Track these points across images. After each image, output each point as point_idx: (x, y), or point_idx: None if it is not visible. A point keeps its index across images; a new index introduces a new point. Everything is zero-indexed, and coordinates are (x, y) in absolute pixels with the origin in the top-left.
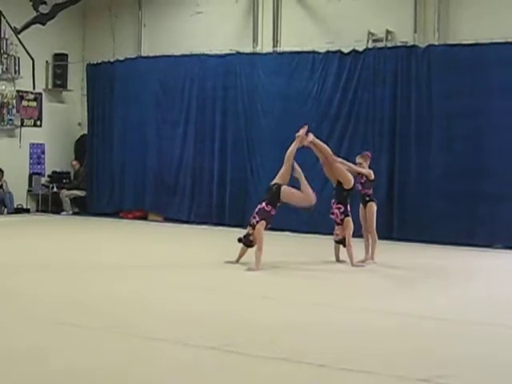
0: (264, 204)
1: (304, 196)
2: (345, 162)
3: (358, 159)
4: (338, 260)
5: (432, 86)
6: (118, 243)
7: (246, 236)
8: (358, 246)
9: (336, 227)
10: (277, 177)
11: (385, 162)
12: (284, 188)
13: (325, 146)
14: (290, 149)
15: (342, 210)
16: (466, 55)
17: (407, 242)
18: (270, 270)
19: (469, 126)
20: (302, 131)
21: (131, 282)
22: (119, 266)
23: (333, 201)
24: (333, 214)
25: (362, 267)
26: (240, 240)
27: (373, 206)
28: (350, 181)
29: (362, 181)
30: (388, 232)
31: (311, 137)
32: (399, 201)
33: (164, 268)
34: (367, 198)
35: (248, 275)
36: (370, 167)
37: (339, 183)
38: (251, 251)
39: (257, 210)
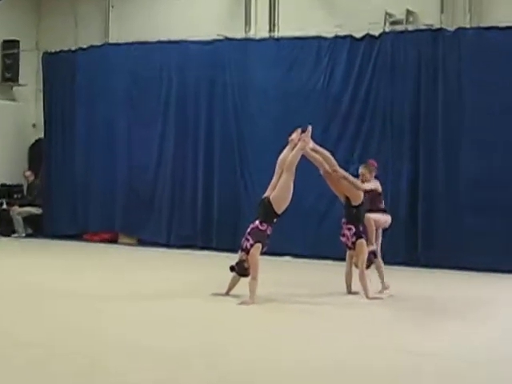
0: (257, 222)
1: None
2: (346, 174)
3: (361, 169)
4: (349, 291)
5: (462, 78)
6: (80, 271)
7: (239, 263)
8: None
9: (348, 252)
10: (269, 188)
11: (406, 171)
12: (273, 197)
13: (327, 153)
14: (293, 154)
15: (353, 231)
16: (503, 40)
17: (434, 268)
18: (267, 303)
19: (508, 124)
20: (296, 135)
21: (99, 317)
22: (85, 297)
23: (343, 220)
24: (343, 235)
25: (379, 300)
26: (232, 268)
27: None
28: (357, 195)
29: (367, 196)
30: (412, 256)
31: (311, 143)
32: (424, 218)
33: (138, 301)
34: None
35: (240, 310)
36: (377, 177)
37: (347, 198)
38: (244, 281)
39: (249, 230)
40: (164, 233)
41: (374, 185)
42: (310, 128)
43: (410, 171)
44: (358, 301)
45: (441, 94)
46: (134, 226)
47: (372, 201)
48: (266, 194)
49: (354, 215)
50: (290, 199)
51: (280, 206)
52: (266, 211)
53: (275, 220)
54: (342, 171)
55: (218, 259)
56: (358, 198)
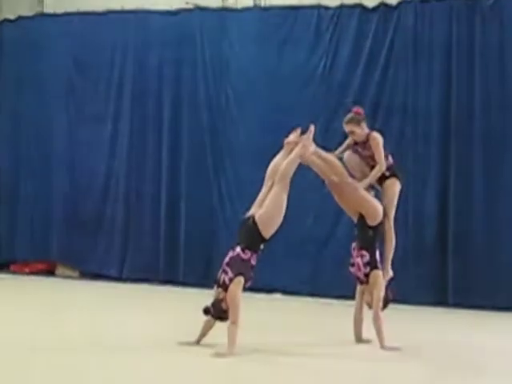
0: (238, 249)
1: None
2: (359, 185)
3: (347, 127)
4: (359, 340)
5: (506, 59)
6: (5, 313)
7: (216, 303)
8: (389, 315)
9: (358, 287)
10: (254, 204)
11: (433, 185)
12: (260, 216)
13: (334, 159)
14: (288, 161)
15: (366, 260)
16: None
17: (468, 308)
18: (249, 355)
19: None
20: (295, 136)
21: (25, 376)
22: (7, 347)
23: (353, 245)
24: (353, 265)
25: (397, 351)
26: (207, 311)
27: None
28: (377, 212)
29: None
30: (440, 295)
31: (313, 146)
32: (456, 248)
33: (78, 353)
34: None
35: (216, 364)
36: (372, 129)
37: (361, 217)
38: (221, 325)
39: (228, 259)
40: (115, 263)
41: (380, 156)
42: (312, 128)
43: (439, 186)
44: (370, 352)
45: (478, 82)
46: (75, 254)
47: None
48: (250, 213)
49: (370, 239)
50: (281, 220)
51: (268, 229)
52: (250, 235)
53: (262, 246)
54: (354, 182)
55: (187, 297)
56: (376, 216)
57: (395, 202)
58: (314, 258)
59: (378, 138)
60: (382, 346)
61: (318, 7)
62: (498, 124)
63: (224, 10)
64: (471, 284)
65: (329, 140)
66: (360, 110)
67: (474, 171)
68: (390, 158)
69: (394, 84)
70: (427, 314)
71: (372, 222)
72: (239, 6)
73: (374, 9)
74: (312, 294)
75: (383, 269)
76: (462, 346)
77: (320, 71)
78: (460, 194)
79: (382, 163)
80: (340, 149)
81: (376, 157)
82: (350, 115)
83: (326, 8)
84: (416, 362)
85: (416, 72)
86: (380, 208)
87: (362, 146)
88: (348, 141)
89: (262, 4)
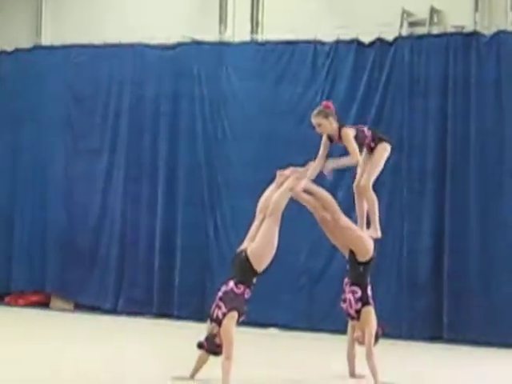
0: (232, 284)
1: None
2: (351, 225)
3: (315, 119)
4: (353, 375)
5: (503, 96)
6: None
7: (209, 338)
8: (384, 350)
9: (350, 323)
10: (247, 238)
11: (429, 220)
12: (252, 250)
13: (326, 195)
14: (278, 195)
15: (358, 296)
16: None
17: (463, 344)
18: None
19: None
20: (290, 172)
21: None
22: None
23: (345, 281)
24: (344, 301)
25: None
26: (201, 345)
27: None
28: (367, 248)
29: None
30: (435, 329)
31: (305, 181)
32: (451, 284)
33: None
34: None
35: None
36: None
37: (352, 253)
38: (214, 361)
39: (221, 294)
40: (110, 295)
41: (354, 148)
42: (311, 165)
43: (434, 221)
44: None
45: (474, 118)
46: (70, 286)
47: None
48: (242, 247)
49: (361, 275)
50: (273, 253)
51: (261, 263)
52: (243, 269)
53: (254, 280)
54: (346, 220)
55: (181, 331)
56: (367, 253)
57: (380, 166)
58: (308, 293)
59: (348, 132)
60: (377, 382)
61: (315, 42)
62: (494, 161)
63: (221, 44)
64: (466, 320)
65: (323, 175)
66: (330, 104)
67: (469, 207)
68: (366, 130)
69: (390, 119)
70: (422, 349)
71: (362, 258)
72: (236, 40)
73: (370, 44)
74: (307, 329)
75: (372, 227)
76: (457, 382)
77: (315, 106)
78: (455, 230)
79: (357, 158)
80: (320, 153)
81: (349, 150)
82: (318, 108)
83: (323, 43)
84: None
85: (412, 108)
86: (370, 244)
87: (337, 142)
88: (323, 141)
89: (259, 39)
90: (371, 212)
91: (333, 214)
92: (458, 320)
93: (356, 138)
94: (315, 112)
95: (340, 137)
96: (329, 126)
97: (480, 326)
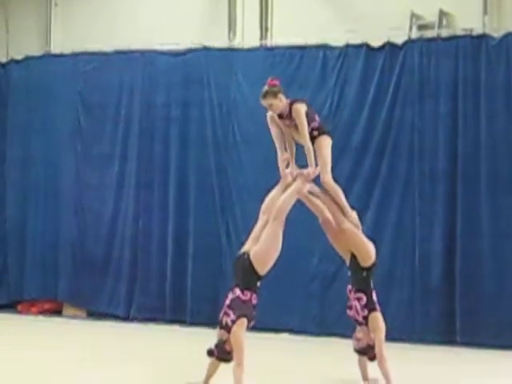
0: (238, 291)
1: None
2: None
3: (264, 101)
4: (365, 379)
5: None
6: (12, 353)
7: (219, 344)
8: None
9: (358, 328)
10: (249, 239)
11: (440, 223)
12: (255, 253)
13: (329, 197)
14: (284, 197)
15: (363, 303)
16: None
17: (477, 347)
18: None
19: None
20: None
21: None
22: None
23: (349, 287)
24: (350, 308)
25: None
26: (211, 353)
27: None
28: (369, 253)
29: None
30: (448, 333)
31: (310, 183)
32: (463, 285)
33: None
34: None
35: None
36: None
37: (354, 258)
38: (226, 367)
39: (228, 301)
40: (122, 303)
41: (304, 126)
42: (318, 170)
43: (446, 224)
44: None
45: (484, 121)
46: (82, 294)
47: None
48: (244, 249)
49: (364, 280)
50: (277, 256)
51: (264, 266)
52: (246, 274)
53: (259, 284)
54: (348, 224)
55: (193, 337)
56: (369, 258)
57: (330, 159)
58: (321, 297)
59: (299, 108)
60: None
61: (324, 47)
62: (505, 163)
63: (230, 50)
64: (479, 323)
65: (334, 179)
66: (275, 81)
67: (480, 210)
68: (317, 118)
69: (401, 123)
70: (435, 353)
71: (365, 263)
72: (246, 45)
73: (380, 48)
74: (319, 334)
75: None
76: None
77: (326, 111)
78: (467, 233)
79: (308, 144)
80: (277, 146)
81: (299, 129)
82: (264, 89)
83: (332, 48)
84: None
85: (422, 111)
86: (373, 249)
87: (288, 119)
88: (273, 133)
89: (269, 44)
90: (339, 199)
91: (336, 217)
92: (471, 323)
93: (306, 115)
94: (262, 94)
95: (291, 113)
96: (280, 103)
97: (493, 329)
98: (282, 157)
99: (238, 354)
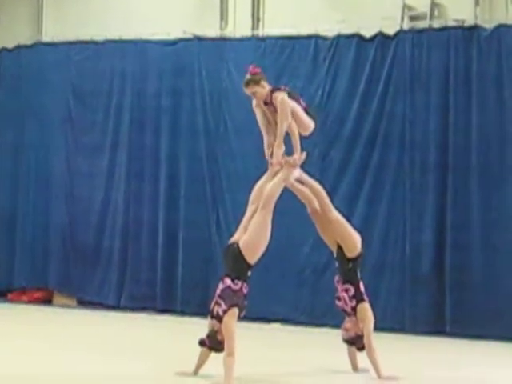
0: (229, 281)
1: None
2: (343, 220)
3: (247, 89)
4: (355, 369)
5: (505, 90)
6: (2, 343)
7: (211, 335)
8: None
9: (346, 319)
10: (239, 229)
11: (430, 214)
12: (244, 242)
13: (318, 187)
14: (272, 185)
15: (351, 294)
16: None
17: (467, 338)
18: None
19: None
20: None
21: None
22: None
23: (336, 278)
24: (339, 299)
25: (395, 381)
26: (203, 343)
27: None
28: (355, 244)
29: None
30: (438, 324)
31: (298, 171)
32: (453, 276)
33: None
34: None
35: None
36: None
37: (340, 249)
38: (216, 357)
39: (219, 291)
40: (112, 292)
41: (285, 114)
42: (304, 155)
43: (436, 214)
44: (367, 382)
45: (475, 112)
46: (73, 282)
47: None
48: (234, 239)
49: (350, 271)
50: (266, 244)
51: (253, 255)
52: (236, 263)
53: (249, 273)
54: (336, 214)
55: (184, 326)
56: (355, 248)
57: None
58: (311, 287)
59: (279, 98)
60: (380, 376)
61: (316, 37)
62: (496, 154)
63: (222, 39)
64: (469, 314)
65: (325, 169)
66: (257, 69)
67: (471, 202)
68: (303, 102)
69: (392, 114)
70: (425, 344)
71: (350, 254)
72: (237, 35)
73: (371, 39)
74: (310, 323)
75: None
76: (459, 377)
77: (317, 101)
78: (457, 224)
79: (282, 128)
80: (259, 121)
81: (278, 115)
82: (247, 77)
83: (324, 38)
84: None
85: (413, 101)
86: (358, 240)
87: (272, 105)
88: (254, 107)
89: (260, 34)
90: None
91: (323, 206)
92: (460, 314)
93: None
94: (245, 83)
95: (271, 100)
96: (263, 90)
97: (483, 319)
98: (268, 141)
99: (229, 344)
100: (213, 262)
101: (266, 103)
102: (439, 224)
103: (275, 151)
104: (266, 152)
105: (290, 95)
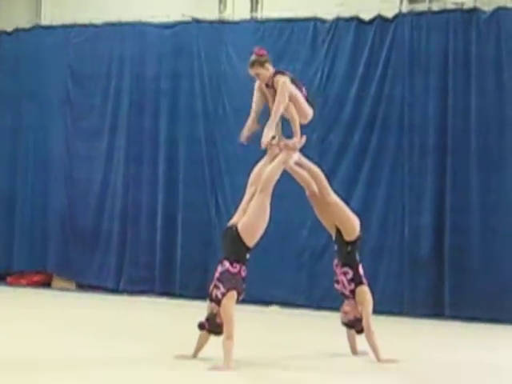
0: (227, 264)
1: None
2: (341, 204)
3: (252, 70)
4: (354, 352)
5: (504, 72)
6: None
7: (211, 318)
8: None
9: (345, 302)
10: (237, 212)
11: (429, 197)
12: (243, 225)
13: (317, 170)
14: (271, 168)
15: (350, 277)
16: None
17: (466, 321)
18: (245, 369)
19: None
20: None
21: None
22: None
23: (335, 262)
24: (338, 282)
25: (394, 363)
26: (202, 326)
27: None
28: (353, 227)
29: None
30: (437, 307)
31: (297, 154)
32: (452, 259)
33: (78, 368)
34: None
35: (212, 377)
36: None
37: (338, 232)
38: (215, 340)
39: (218, 274)
40: (112, 275)
41: (283, 96)
42: (304, 139)
43: (435, 197)
44: (366, 365)
45: (474, 95)
46: (72, 265)
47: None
48: (232, 221)
49: (349, 254)
50: (264, 227)
51: (252, 238)
52: (235, 246)
53: (248, 256)
54: (334, 197)
55: (183, 309)
56: (353, 231)
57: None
58: (310, 270)
59: (280, 81)
60: (379, 359)
61: (315, 20)
62: (495, 137)
63: (221, 22)
64: (467, 297)
65: (324, 152)
66: (262, 51)
67: (470, 185)
68: (304, 90)
69: (391, 97)
70: (423, 326)
71: (348, 237)
72: (236, 18)
73: (370, 22)
74: (308, 306)
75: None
76: (458, 359)
77: (316, 84)
78: (456, 208)
79: (278, 110)
80: (254, 100)
81: (276, 96)
82: (252, 58)
83: (323, 21)
84: (412, 375)
85: (412, 85)
86: (357, 223)
87: (273, 88)
88: (256, 87)
89: (259, 17)
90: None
91: (322, 189)
92: (459, 297)
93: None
94: (250, 63)
95: (272, 83)
96: (267, 72)
97: (481, 302)
98: (250, 124)
99: (228, 327)
100: (212, 244)
101: (267, 85)
102: (438, 207)
103: (266, 131)
104: (244, 131)
105: (293, 81)
